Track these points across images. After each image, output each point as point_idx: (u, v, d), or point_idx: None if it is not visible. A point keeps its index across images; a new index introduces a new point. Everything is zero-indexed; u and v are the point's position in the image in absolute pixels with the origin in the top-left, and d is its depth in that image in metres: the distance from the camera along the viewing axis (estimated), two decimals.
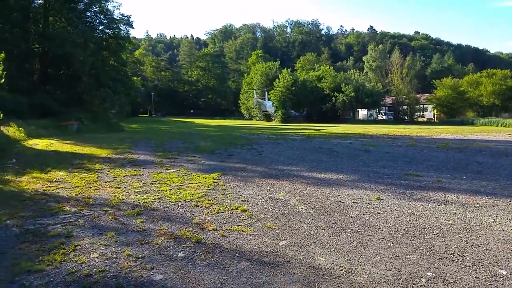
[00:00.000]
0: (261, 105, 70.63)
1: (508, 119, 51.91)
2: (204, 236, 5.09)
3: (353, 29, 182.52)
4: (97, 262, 4.20)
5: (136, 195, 7.46)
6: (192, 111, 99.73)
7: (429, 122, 65.29)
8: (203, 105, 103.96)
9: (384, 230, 5.43)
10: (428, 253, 4.57)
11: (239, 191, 8.01)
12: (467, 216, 6.15)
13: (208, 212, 6.27)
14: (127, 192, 7.75)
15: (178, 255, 4.46)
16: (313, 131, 33.37)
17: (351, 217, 6.08)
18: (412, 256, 4.46)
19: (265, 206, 6.75)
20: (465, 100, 64.09)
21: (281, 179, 9.33)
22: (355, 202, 7.04)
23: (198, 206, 6.69)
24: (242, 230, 5.37)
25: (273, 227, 5.55)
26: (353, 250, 4.65)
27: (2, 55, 16.38)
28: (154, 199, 7.15)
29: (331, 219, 5.94)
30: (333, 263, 4.23)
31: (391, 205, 6.82)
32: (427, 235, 5.23)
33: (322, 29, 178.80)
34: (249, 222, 5.79)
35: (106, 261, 4.25)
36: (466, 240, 5.03)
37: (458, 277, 3.91)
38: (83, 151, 15.04)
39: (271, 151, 15.97)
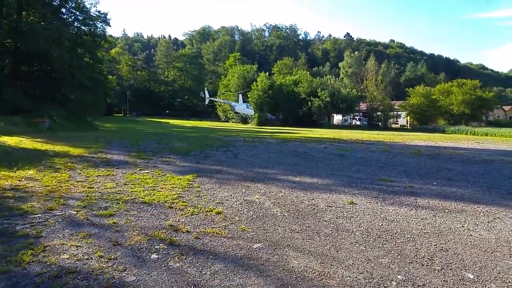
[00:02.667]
0: (231, 107, 70.62)
1: (476, 127, 53.84)
2: (178, 238, 5.05)
3: (330, 35, 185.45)
4: (67, 263, 4.10)
5: (109, 195, 7.31)
6: (168, 111, 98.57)
7: (402, 128, 66.81)
8: (179, 106, 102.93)
9: (357, 234, 5.52)
10: (399, 257, 4.67)
11: (214, 193, 7.97)
12: (437, 221, 6.33)
13: (182, 214, 6.22)
14: (99, 192, 7.59)
15: (151, 257, 4.40)
16: (288, 134, 33.60)
17: (325, 220, 6.16)
18: (383, 260, 4.55)
19: (240, 209, 6.75)
20: (437, 108, 66.00)
21: (256, 182, 9.35)
22: (329, 206, 7.12)
23: (172, 207, 6.62)
24: (216, 233, 5.35)
25: (248, 229, 5.55)
26: (326, 253, 4.71)
27: None
28: (127, 200, 7.03)
29: (305, 223, 5.99)
30: (306, 266, 4.27)
31: (364, 210, 6.94)
32: (399, 239, 5.35)
33: (300, 34, 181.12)
34: (224, 224, 5.77)
35: (77, 262, 4.16)
36: (436, 245, 5.18)
37: (428, 281, 4.02)
38: (54, 149, 14.61)
39: (247, 153, 15.99)
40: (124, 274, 3.91)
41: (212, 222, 5.85)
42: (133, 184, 8.52)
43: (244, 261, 4.38)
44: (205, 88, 73.73)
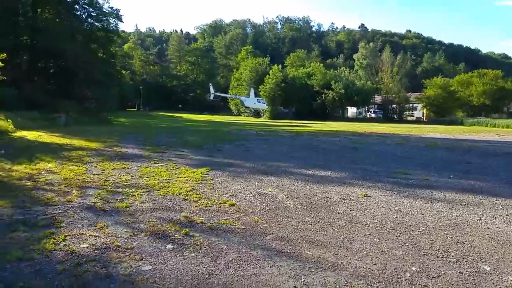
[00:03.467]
0: (241, 102, 70.92)
1: (497, 119, 51.59)
2: (192, 229, 5.13)
3: (344, 27, 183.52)
4: (87, 252, 4.24)
5: (124, 188, 7.45)
6: (180, 106, 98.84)
7: (418, 121, 65.46)
8: (192, 100, 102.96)
9: (370, 226, 5.50)
10: (414, 249, 4.64)
11: (227, 185, 8.04)
12: (453, 214, 6.23)
13: (197, 206, 6.30)
14: (115, 185, 7.74)
15: (167, 247, 4.49)
16: (301, 128, 33.51)
17: (338, 213, 6.16)
18: (397, 252, 4.53)
19: (252, 201, 6.80)
20: (455, 100, 63.91)
21: (269, 175, 9.38)
22: (343, 199, 7.11)
23: (187, 199, 6.71)
24: (230, 224, 5.41)
25: (261, 221, 5.60)
26: (339, 245, 4.72)
27: (2, 55, 16.62)
28: (143, 192, 7.15)
29: (318, 215, 6.00)
30: (319, 257, 4.29)
31: (378, 202, 6.91)
32: (413, 231, 5.30)
33: (313, 26, 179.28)
34: (237, 216, 5.83)
35: (96, 251, 4.28)
36: (451, 237, 5.10)
37: (442, 272, 3.98)
38: (71, 143, 14.95)
39: (260, 147, 16.03)
40: (140, 263, 4.00)
41: (225, 214, 5.91)
42: (148, 177, 8.65)
43: (258, 251, 4.43)
44: (210, 84, 73.93)
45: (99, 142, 15.88)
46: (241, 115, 74.11)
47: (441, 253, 4.52)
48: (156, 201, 6.54)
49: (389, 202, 6.91)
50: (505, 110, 65.07)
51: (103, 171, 9.22)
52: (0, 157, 10.72)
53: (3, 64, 17.20)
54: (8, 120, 18.38)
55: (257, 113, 68.85)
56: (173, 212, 5.90)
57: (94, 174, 8.78)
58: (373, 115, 71.38)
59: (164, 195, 6.96)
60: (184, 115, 64.00)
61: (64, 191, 7.01)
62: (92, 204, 6.23)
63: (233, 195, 7.20)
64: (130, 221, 5.38)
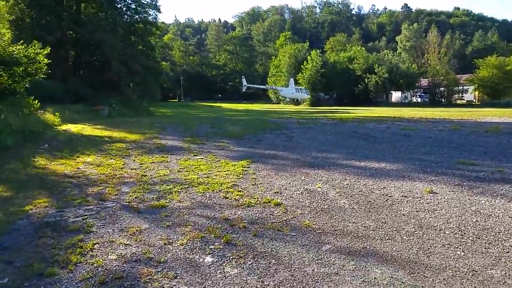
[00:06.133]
0: (279, 92, 70.13)
1: None
2: (234, 236, 4.45)
3: (385, 8, 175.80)
4: (115, 266, 3.68)
5: (162, 184, 6.93)
6: (220, 95, 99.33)
7: (469, 104, 61.43)
8: (231, 89, 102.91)
9: (447, 233, 4.55)
10: None
11: (270, 181, 7.32)
12: None
13: (238, 206, 5.63)
14: (153, 180, 7.26)
15: (206, 260, 3.83)
16: (345, 114, 32.14)
17: (403, 214, 5.24)
18: (495, 272, 3.54)
19: (300, 200, 6.02)
20: None
21: (316, 168, 8.55)
22: (405, 196, 6.16)
23: (227, 197, 6.07)
24: (277, 229, 4.69)
25: (313, 226, 4.82)
26: (414, 259, 3.83)
27: (46, 50, 16.92)
28: (181, 189, 6.60)
29: (380, 217, 5.13)
30: (392, 278, 3.44)
31: (448, 200, 5.88)
32: (506, 241, 4.25)
33: (353, 8, 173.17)
34: (284, 218, 5.10)
35: (124, 265, 3.71)
36: None
37: None
38: (112, 135, 15.01)
39: (302, 136, 15.18)
40: (174, 283, 3.36)
41: (271, 216, 5.19)
42: (186, 171, 8.12)
43: (313, 268, 3.65)
44: (243, 76, 74.12)
45: (140, 133, 15.76)
46: (280, 103, 73.06)
47: None
48: (195, 200, 5.94)
49: (461, 201, 5.86)
50: None
51: (141, 165, 8.82)
52: (43, 151, 10.74)
53: (49, 60, 17.42)
54: (56, 113, 18.75)
55: (296, 101, 67.58)
56: (212, 213, 5.26)
57: (131, 169, 8.38)
58: (419, 100, 67.88)
59: (203, 193, 6.35)
60: (223, 105, 63.89)
61: (100, 189, 6.62)
62: (127, 203, 5.74)
63: (278, 192, 6.47)
64: (166, 225, 4.80)
